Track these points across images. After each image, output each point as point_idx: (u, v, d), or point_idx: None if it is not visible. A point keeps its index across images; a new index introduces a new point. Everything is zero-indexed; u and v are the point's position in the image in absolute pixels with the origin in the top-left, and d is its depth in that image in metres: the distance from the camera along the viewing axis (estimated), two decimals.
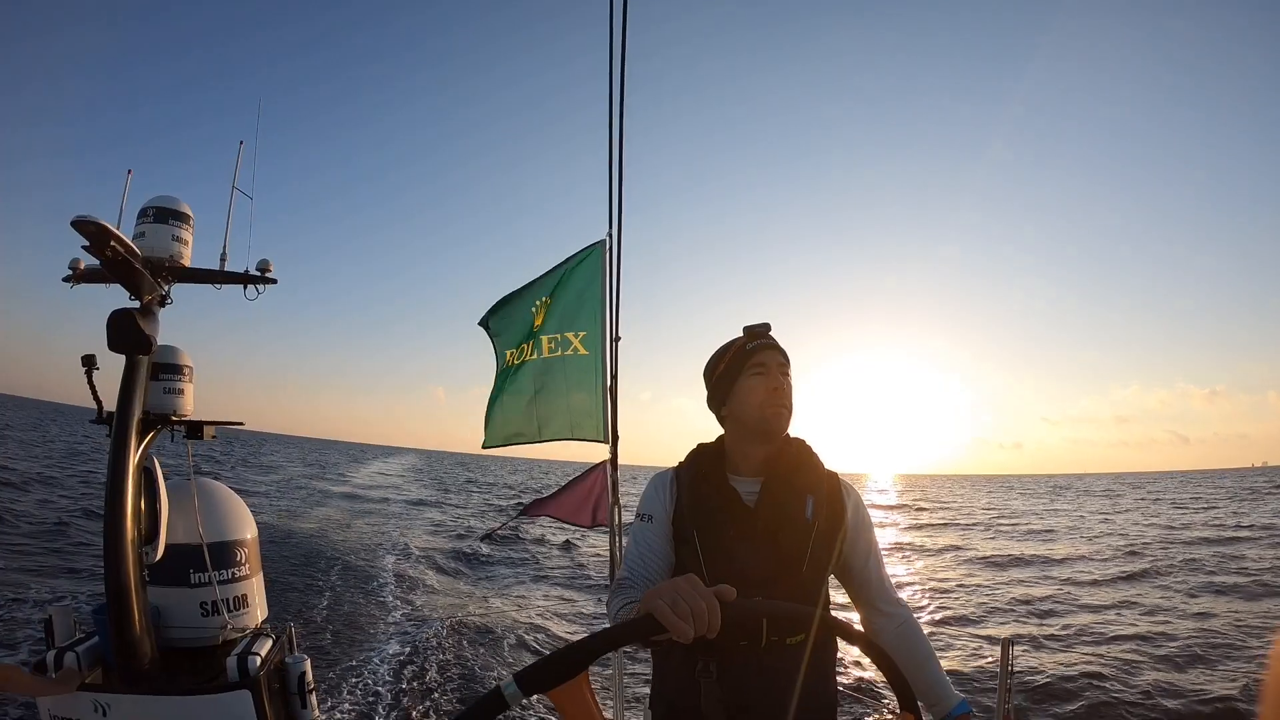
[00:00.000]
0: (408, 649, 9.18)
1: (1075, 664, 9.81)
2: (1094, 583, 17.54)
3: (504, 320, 4.59)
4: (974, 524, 36.41)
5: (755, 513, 1.80)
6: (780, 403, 1.84)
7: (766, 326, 1.94)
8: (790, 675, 1.70)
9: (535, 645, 10.32)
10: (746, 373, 1.88)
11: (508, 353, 4.57)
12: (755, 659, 1.68)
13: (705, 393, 2.01)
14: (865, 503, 1.98)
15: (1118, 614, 13.43)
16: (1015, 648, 3.89)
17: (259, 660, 3.53)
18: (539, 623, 11.65)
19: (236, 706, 3.29)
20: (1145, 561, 20.58)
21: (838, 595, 1.98)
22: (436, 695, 7.74)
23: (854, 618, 1.95)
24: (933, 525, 35.94)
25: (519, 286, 4.55)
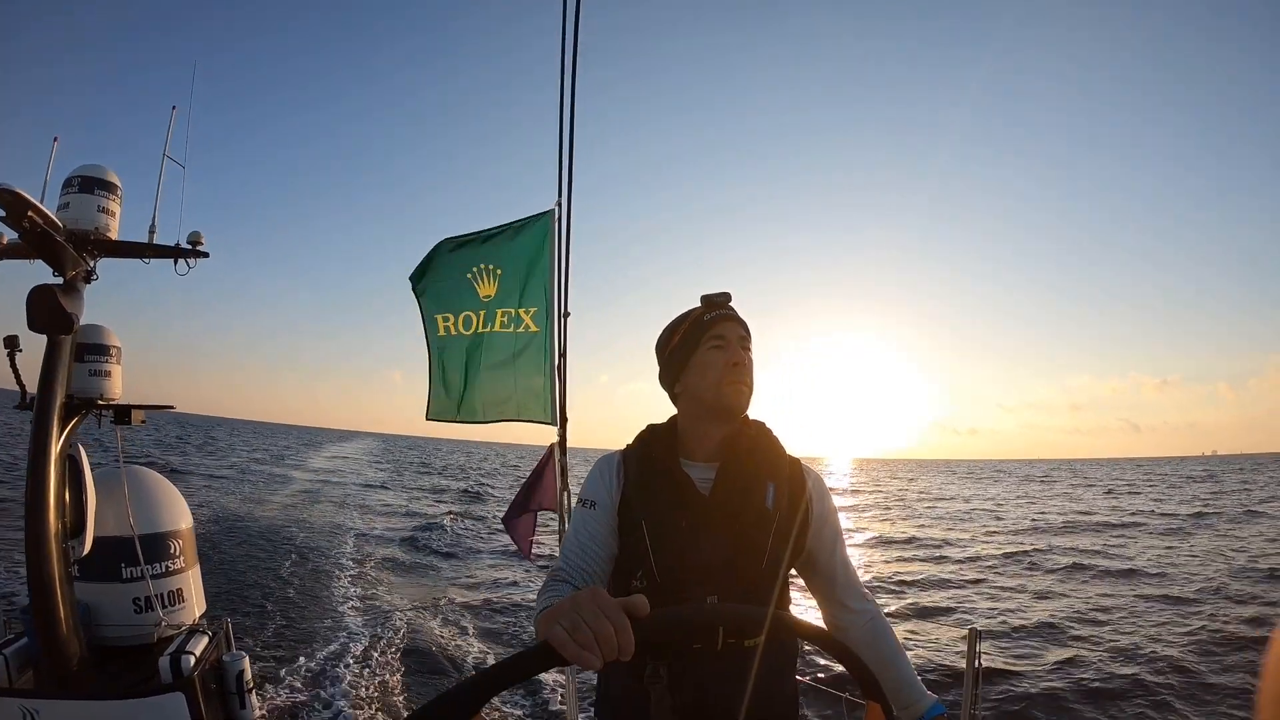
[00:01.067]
0: (357, 642, 8.95)
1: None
2: (966, 560, 19.15)
3: (434, 279, 4.30)
4: (894, 506, 38.68)
5: (710, 501, 1.62)
6: (740, 379, 1.66)
7: (726, 296, 1.77)
8: (746, 677, 1.56)
9: (484, 630, 10.16)
10: (703, 345, 1.70)
11: (440, 318, 4.28)
12: (710, 662, 1.54)
13: (658, 370, 1.83)
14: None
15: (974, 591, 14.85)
16: (981, 641, 3.81)
17: (193, 660, 3.34)
18: (493, 608, 11.46)
19: (170, 710, 3.09)
20: (1027, 544, 22.17)
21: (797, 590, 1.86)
22: (385, 690, 7.53)
23: (815, 615, 1.81)
24: (858, 507, 37.49)
25: (448, 237, 4.29)
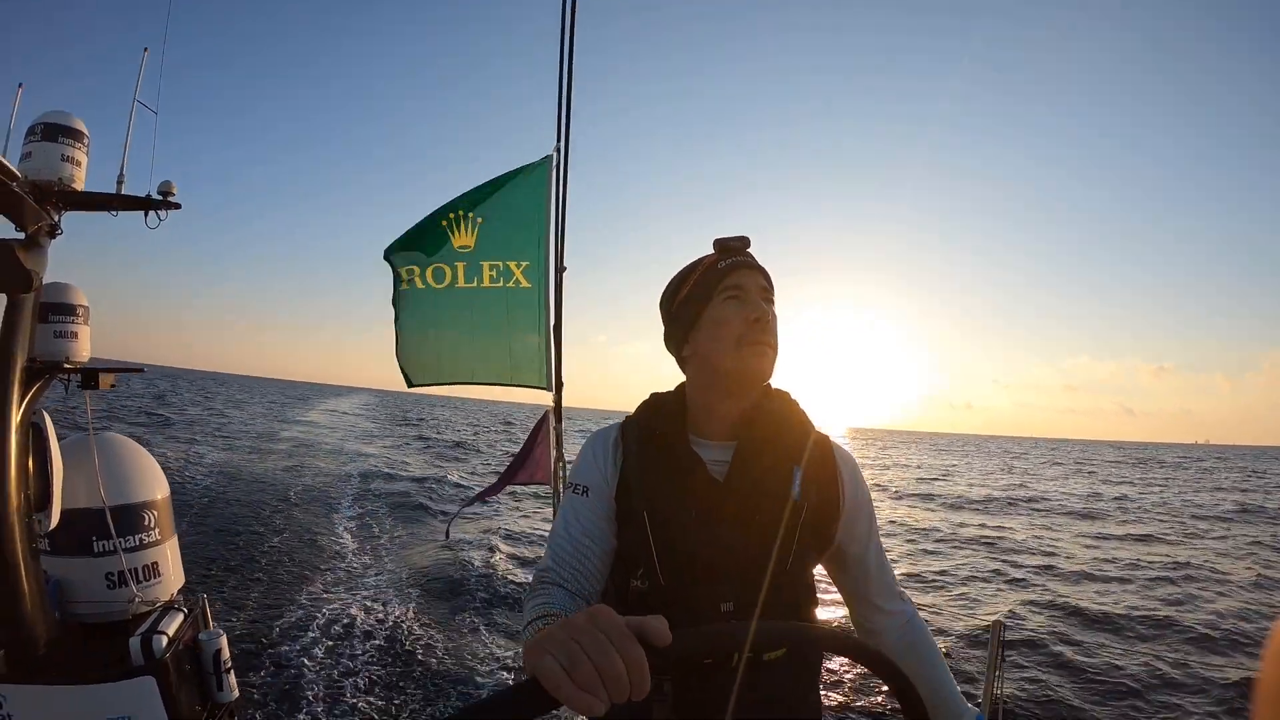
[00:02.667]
0: (347, 616, 8.74)
1: None
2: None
3: (407, 234, 3.93)
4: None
5: (725, 488, 1.37)
6: (762, 337, 1.38)
7: (744, 240, 1.47)
8: (765, 696, 1.36)
9: (483, 606, 9.96)
10: (717, 298, 1.42)
11: (405, 270, 3.90)
12: (723, 678, 1.30)
13: (664, 329, 1.55)
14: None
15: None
16: (1006, 630, 3.67)
17: (165, 640, 3.16)
18: (490, 583, 11.27)
19: (140, 693, 2.92)
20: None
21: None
22: (370, 667, 7.33)
23: (832, 615, 1.59)
24: None
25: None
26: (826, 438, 1.50)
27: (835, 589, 1.60)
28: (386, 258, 3.93)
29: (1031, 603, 12.46)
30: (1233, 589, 13.92)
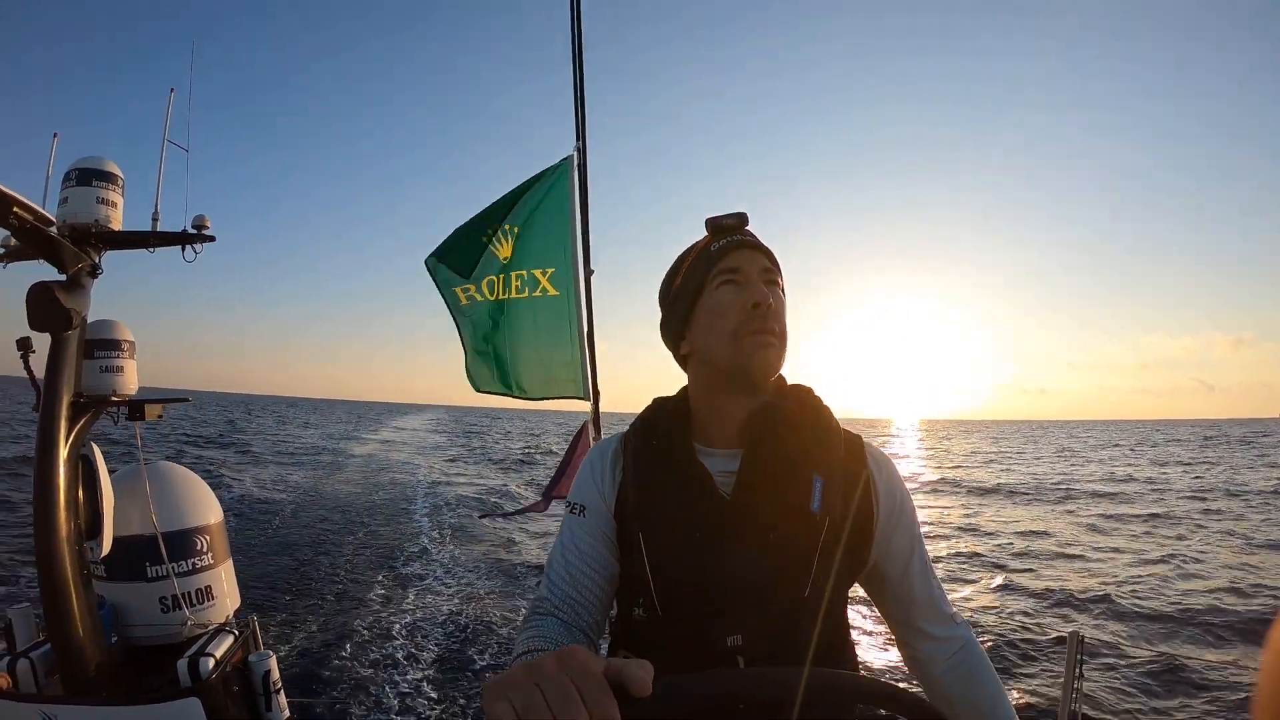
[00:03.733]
0: (405, 635, 8.82)
1: None
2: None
3: (449, 251, 3.92)
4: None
5: (733, 503, 1.20)
6: (764, 326, 1.21)
7: (741, 217, 1.30)
8: None
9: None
10: (711, 284, 1.26)
11: (460, 289, 3.92)
12: None
13: (660, 324, 1.41)
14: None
15: None
16: (1085, 641, 3.45)
17: (212, 662, 3.26)
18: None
19: (186, 714, 3.00)
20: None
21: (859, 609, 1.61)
22: (424, 689, 7.36)
23: (865, 639, 1.46)
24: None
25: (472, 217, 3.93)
26: (859, 439, 1.33)
27: (876, 610, 1.44)
28: (428, 266, 3.97)
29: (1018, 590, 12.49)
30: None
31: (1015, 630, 9.55)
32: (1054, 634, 9.14)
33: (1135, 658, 8.34)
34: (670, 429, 1.30)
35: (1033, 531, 19.19)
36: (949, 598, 1.36)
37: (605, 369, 3.72)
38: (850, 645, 1.35)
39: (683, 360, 1.35)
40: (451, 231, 3.92)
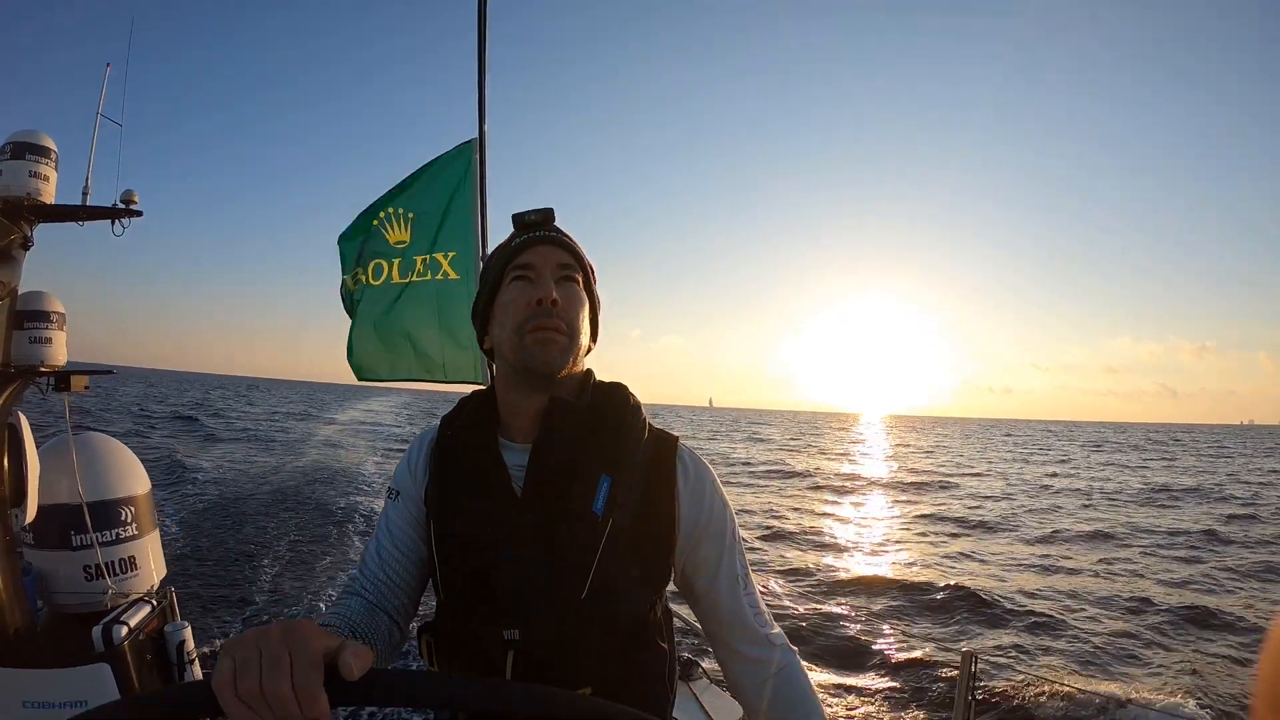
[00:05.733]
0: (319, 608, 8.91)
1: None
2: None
3: (348, 236, 3.98)
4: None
5: (521, 500, 1.18)
6: (547, 322, 1.19)
7: (544, 213, 1.29)
8: None
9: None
10: (506, 279, 1.25)
11: (349, 277, 3.97)
12: None
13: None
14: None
15: None
16: (978, 662, 3.44)
17: (125, 630, 3.34)
18: None
19: (95, 678, 3.09)
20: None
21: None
22: None
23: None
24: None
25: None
26: (673, 442, 1.29)
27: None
28: (340, 244, 4.03)
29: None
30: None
31: (903, 648, 9.77)
32: (944, 652, 9.27)
33: (1025, 676, 8.55)
34: (474, 421, 1.30)
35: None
36: (769, 615, 1.31)
37: None
38: (664, 657, 1.30)
39: (489, 354, 1.35)
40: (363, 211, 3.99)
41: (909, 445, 68.89)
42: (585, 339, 1.27)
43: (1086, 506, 25.04)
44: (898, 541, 18.21)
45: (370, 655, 0.72)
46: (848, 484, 31.06)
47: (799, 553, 16.18)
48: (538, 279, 1.23)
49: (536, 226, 1.28)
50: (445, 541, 1.22)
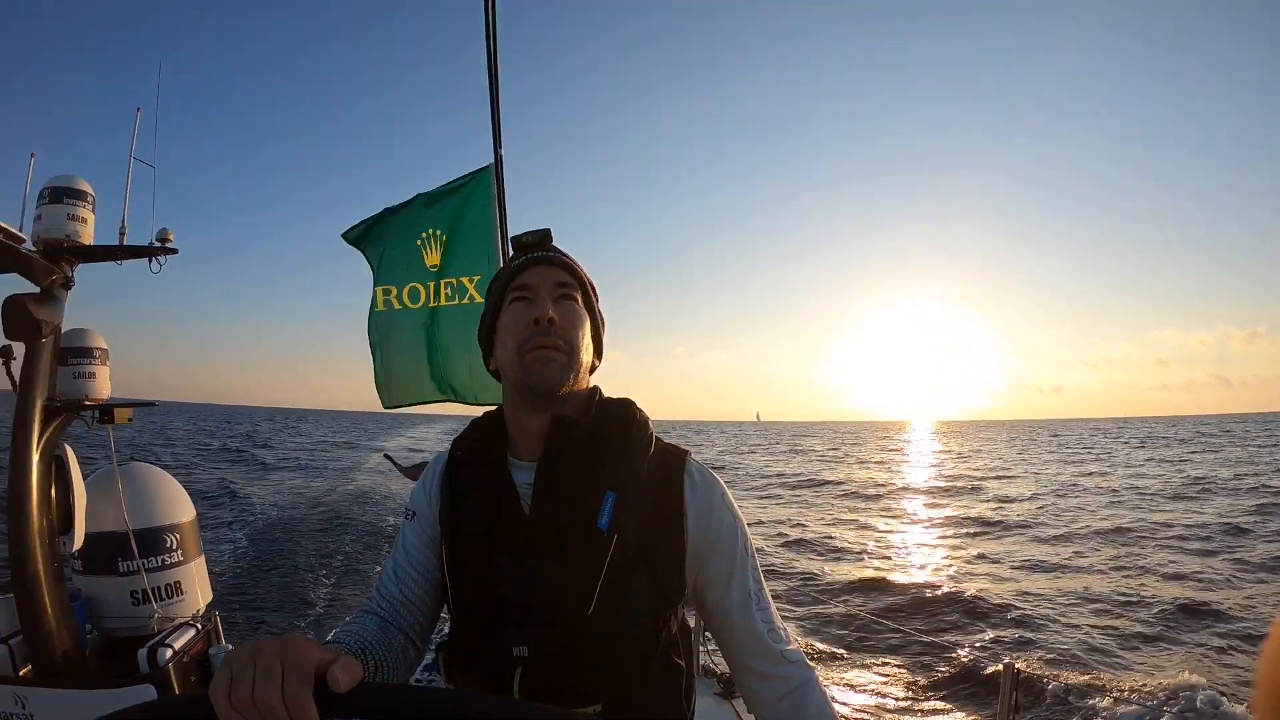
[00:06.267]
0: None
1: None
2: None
3: (380, 246, 4.01)
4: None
5: (530, 518, 1.21)
6: (545, 341, 1.21)
7: (541, 234, 1.32)
8: None
9: None
10: (506, 300, 1.29)
11: (381, 290, 4.01)
12: None
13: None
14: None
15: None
16: (1019, 666, 3.36)
17: (170, 652, 3.45)
18: None
19: (140, 699, 3.20)
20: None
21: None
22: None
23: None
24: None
25: (395, 204, 4.01)
26: (681, 456, 1.29)
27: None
28: (361, 249, 4.08)
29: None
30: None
31: (943, 660, 9.56)
32: (986, 666, 9.03)
33: (1069, 685, 8.32)
34: (483, 442, 1.32)
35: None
36: (788, 633, 1.29)
37: None
38: (680, 674, 1.30)
39: (495, 375, 1.36)
40: (373, 218, 4.04)
41: (950, 451, 69.82)
42: (586, 356, 1.29)
43: (1114, 504, 24.77)
44: (911, 545, 18.62)
45: (359, 669, 0.74)
46: (876, 491, 31.77)
47: (811, 558, 16.47)
48: (536, 299, 1.25)
49: (534, 247, 1.32)
50: (456, 559, 1.25)
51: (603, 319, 1.39)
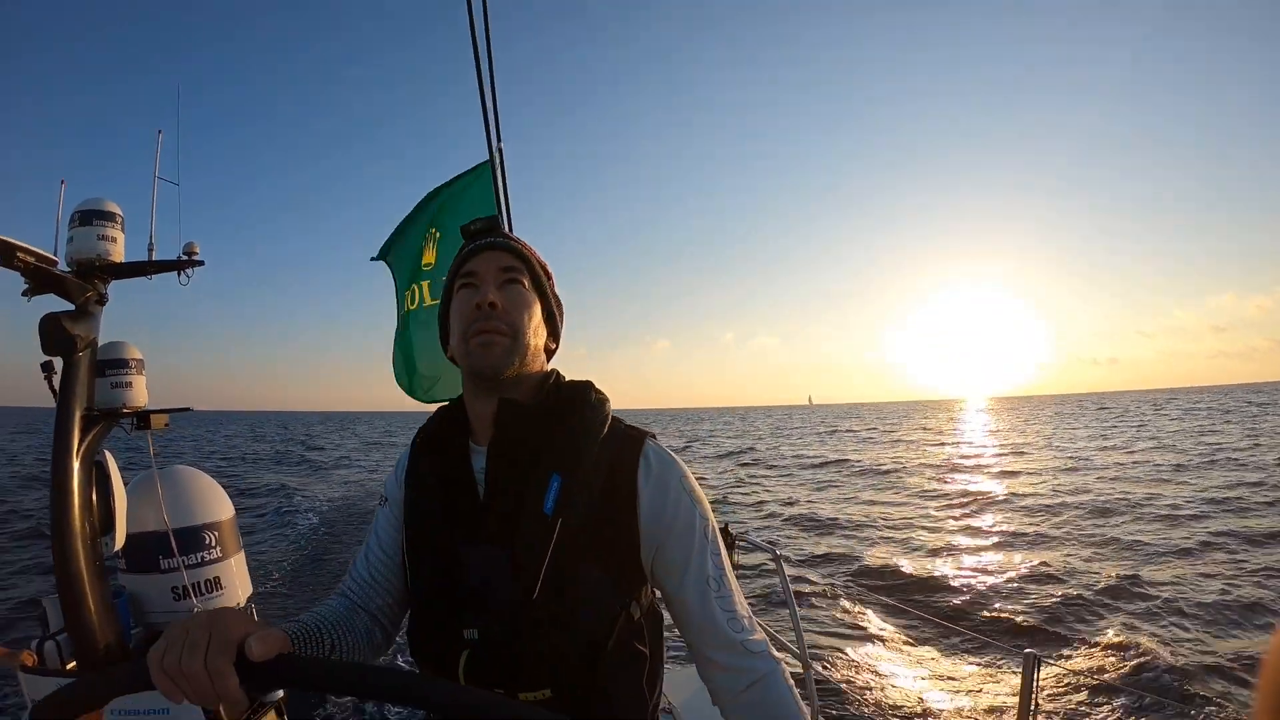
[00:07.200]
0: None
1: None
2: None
3: (400, 248, 4.11)
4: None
5: (483, 503, 1.22)
6: (486, 325, 1.22)
7: (489, 221, 1.34)
8: None
9: None
10: (455, 288, 1.31)
11: (408, 291, 4.11)
12: None
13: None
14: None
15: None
16: (1043, 666, 3.21)
17: None
18: None
19: None
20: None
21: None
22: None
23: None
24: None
25: (410, 212, 4.12)
26: (639, 439, 1.28)
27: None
28: (385, 260, 4.20)
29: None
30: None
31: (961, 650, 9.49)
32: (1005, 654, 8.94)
33: (1089, 672, 8.22)
34: (443, 429, 1.35)
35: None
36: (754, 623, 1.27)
37: None
38: (642, 662, 1.27)
39: (454, 362, 1.36)
40: (399, 225, 4.17)
41: (986, 427, 72.37)
42: (534, 339, 1.30)
43: (1114, 480, 24.65)
44: (888, 518, 19.39)
45: (281, 642, 0.81)
46: (886, 469, 32.78)
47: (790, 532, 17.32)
48: (480, 284, 1.26)
49: (482, 234, 1.34)
50: (415, 543, 1.28)
51: (558, 301, 1.39)
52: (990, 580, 12.41)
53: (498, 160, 3.75)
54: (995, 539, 16.15)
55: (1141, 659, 8.51)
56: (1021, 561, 13.49)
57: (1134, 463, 29.97)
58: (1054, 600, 11.07)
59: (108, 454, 3.94)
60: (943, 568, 13.47)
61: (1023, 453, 37.87)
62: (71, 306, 3.81)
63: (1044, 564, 13.05)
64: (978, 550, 15.08)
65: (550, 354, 1.40)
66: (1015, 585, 12.00)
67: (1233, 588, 11.14)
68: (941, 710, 7.56)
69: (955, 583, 12.41)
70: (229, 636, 0.79)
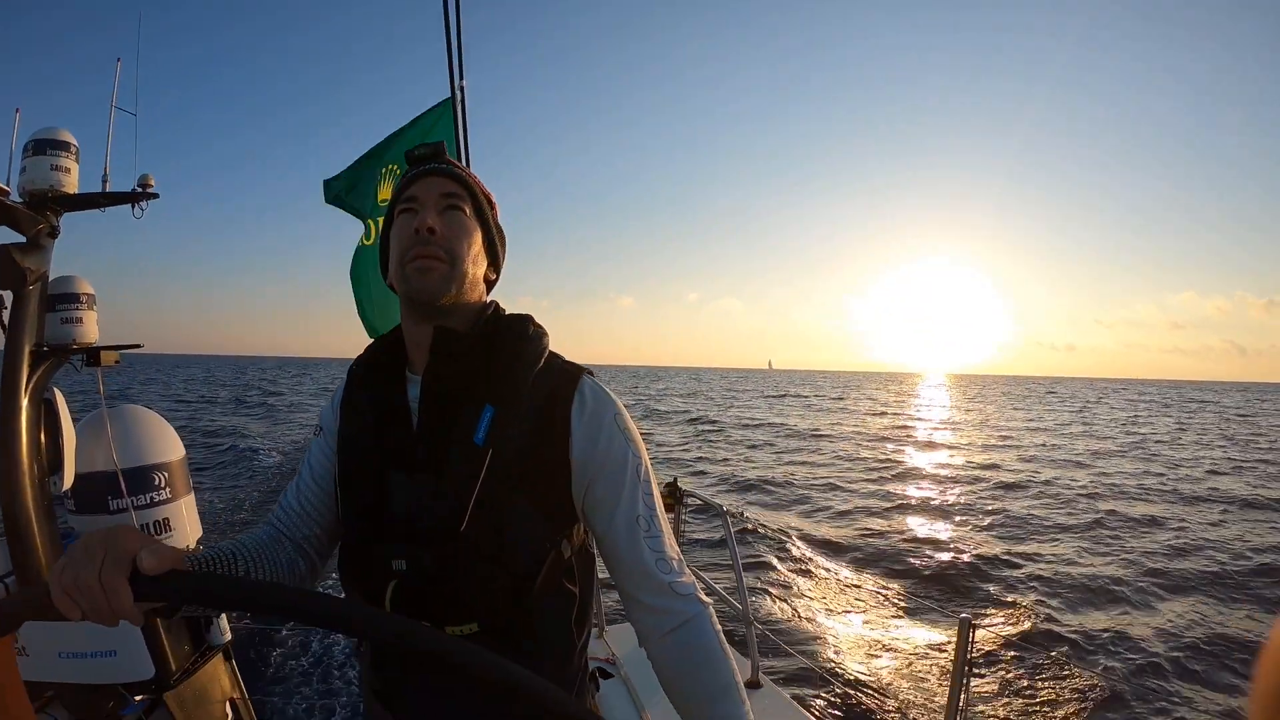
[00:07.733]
0: None
1: None
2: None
3: (356, 180, 4.04)
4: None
5: (415, 432, 1.21)
6: (423, 251, 1.20)
7: (435, 147, 1.28)
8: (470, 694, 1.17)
9: None
10: (396, 213, 1.28)
11: (363, 231, 4.07)
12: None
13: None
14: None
15: None
16: (976, 630, 3.24)
17: None
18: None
19: (124, 628, 3.39)
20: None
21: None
22: None
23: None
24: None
25: (368, 151, 4.05)
26: (576, 374, 1.26)
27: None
28: (342, 203, 4.14)
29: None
30: None
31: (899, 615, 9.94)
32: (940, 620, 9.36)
33: (1021, 641, 8.60)
34: (380, 358, 1.33)
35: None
36: (683, 565, 1.26)
37: None
38: (572, 600, 1.26)
39: (393, 289, 1.32)
40: (352, 163, 4.08)
41: (935, 402, 75.87)
42: (473, 268, 1.28)
43: (1029, 460, 26.20)
44: (790, 480, 20.65)
45: (175, 558, 0.83)
46: (814, 434, 35.32)
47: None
48: (421, 209, 1.23)
49: (426, 160, 1.29)
50: (347, 473, 1.26)
51: (501, 232, 1.37)
52: (882, 545, 13.44)
53: (459, 98, 3.64)
54: (900, 503, 17.37)
55: (1030, 626, 9.32)
56: (919, 526, 14.66)
57: (1054, 444, 31.81)
58: (940, 565, 12.04)
59: (57, 391, 3.85)
60: (848, 530, 14.64)
61: (957, 428, 39.76)
62: (22, 239, 3.70)
63: (937, 532, 14.08)
64: (885, 512, 16.26)
65: (490, 285, 1.37)
66: (902, 549, 12.94)
67: (1106, 566, 12.03)
68: (879, 669, 7.98)
69: (856, 543, 13.44)
70: (124, 551, 0.80)
